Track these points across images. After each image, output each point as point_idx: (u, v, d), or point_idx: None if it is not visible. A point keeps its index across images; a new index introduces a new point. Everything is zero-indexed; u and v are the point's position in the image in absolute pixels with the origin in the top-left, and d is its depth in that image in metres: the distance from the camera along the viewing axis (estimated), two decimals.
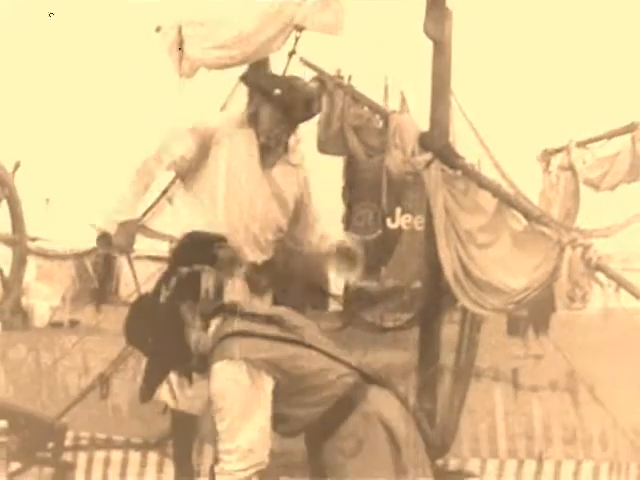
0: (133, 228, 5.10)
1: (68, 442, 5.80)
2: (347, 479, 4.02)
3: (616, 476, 5.96)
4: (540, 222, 5.60)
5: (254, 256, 5.13)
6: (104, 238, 5.09)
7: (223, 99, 5.84)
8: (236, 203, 5.10)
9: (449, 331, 5.96)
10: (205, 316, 4.15)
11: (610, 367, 6.30)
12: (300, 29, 5.56)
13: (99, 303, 7.07)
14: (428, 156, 5.71)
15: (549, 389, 6.29)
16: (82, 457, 6.05)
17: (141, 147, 5.30)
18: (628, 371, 6.13)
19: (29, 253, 7.60)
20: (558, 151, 7.37)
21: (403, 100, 6.35)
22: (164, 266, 4.85)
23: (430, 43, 5.79)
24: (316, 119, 5.86)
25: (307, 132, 5.85)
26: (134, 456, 6.11)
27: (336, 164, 6.64)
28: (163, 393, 4.95)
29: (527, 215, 5.64)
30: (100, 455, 6.10)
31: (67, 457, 5.81)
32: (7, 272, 7.46)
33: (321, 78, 5.67)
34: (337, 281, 9.64)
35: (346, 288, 9.61)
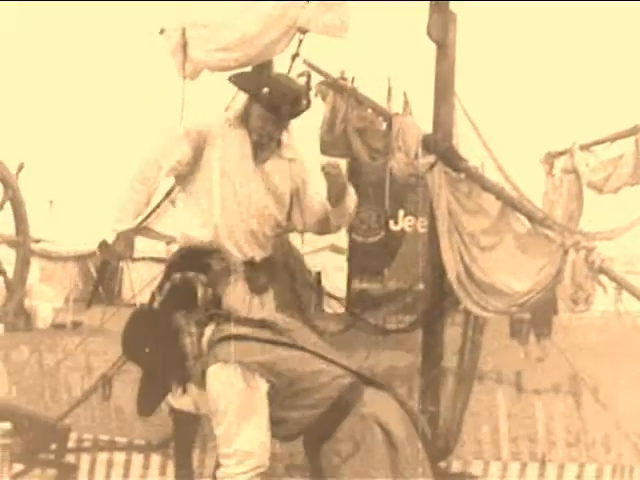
0: (132, 236, 5.13)
1: (71, 444, 5.80)
2: None
3: (619, 479, 5.96)
4: (543, 225, 5.59)
5: (253, 253, 5.14)
6: (104, 246, 5.12)
7: (226, 101, 5.84)
8: (232, 201, 5.12)
9: (452, 333, 5.96)
10: (200, 323, 4.18)
11: (613, 370, 6.30)
12: (303, 31, 5.56)
13: (102, 305, 7.07)
14: (431, 158, 5.71)
15: (552, 392, 6.29)
16: (85, 459, 6.05)
17: (144, 149, 5.30)
18: (631, 374, 6.13)
19: (32, 255, 7.62)
20: (561, 154, 7.37)
21: (406, 102, 6.35)
22: None
23: (433, 46, 5.79)
24: (318, 121, 5.87)
25: (310, 134, 5.86)
26: (137, 458, 6.11)
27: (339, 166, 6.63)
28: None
29: (530, 218, 5.63)
30: (103, 457, 6.10)
31: (70, 459, 5.82)
32: (10, 274, 7.48)
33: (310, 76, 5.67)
34: (339, 283, 9.64)
35: (349, 290, 9.64)
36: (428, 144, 5.74)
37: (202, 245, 5.06)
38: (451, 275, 5.63)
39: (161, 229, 6.61)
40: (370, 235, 9.45)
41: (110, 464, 6.10)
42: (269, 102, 5.07)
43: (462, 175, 5.71)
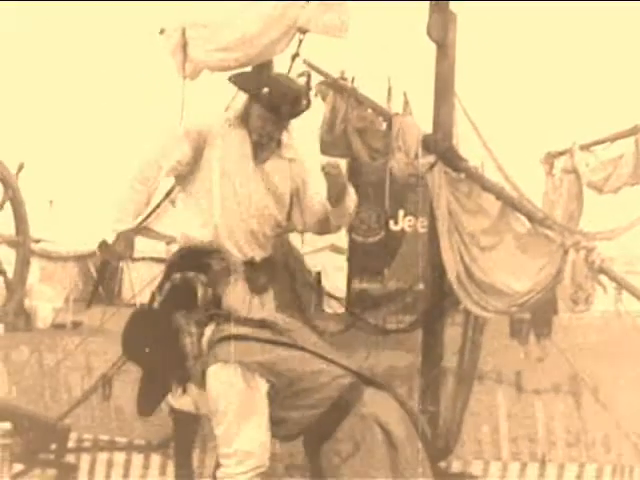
0: (132, 236, 5.13)
1: (71, 444, 5.80)
2: None
3: (619, 479, 5.96)
4: (543, 225, 5.59)
5: (253, 253, 5.15)
6: (104, 246, 5.13)
7: (226, 101, 5.84)
8: (232, 201, 5.13)
9: (452, 333, 5.96)
10: (200, 323, 4.19)
11: (613, 370, 6.30)
12: (304, 31, 5.56)
13: (102, 305, 7.07)
14: (431, 158, 5.71)
15: (552, 392, 6.29)
16: (85, 459, 6.05)
17: (144, 149, 5.30)
18: (631, 374, 6.13)
19: (32, 255, 7.62)
20: (561, 154, 7.37)
21: (406, 102, 6.35)
22: None
23: (433, 46, 5.79)
24: (318, 121, 5.87)
25: (310, 134, 5.86)
26: (137, 458, 6.11)
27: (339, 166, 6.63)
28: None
29: (530, 218, 5.63)
30: (103, 457, 6.10)
31: (70, 459, 5.82)
32: (10, 274, 7.48)
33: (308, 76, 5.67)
34: (340, 283, 9.65)
35: (349, 290, 9.64)
36: (428, 144, 5.74)
37: (202, 245, 5.07)
38: (451, 275, 5.63)
39: (161, 229, 6.61)
40: (370, 235, 9.46)
41: (110, 464, 6.10)
42: (269, 102, 5.07)
43: (462, 175, 5.71)
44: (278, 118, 5.11)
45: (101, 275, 6.07)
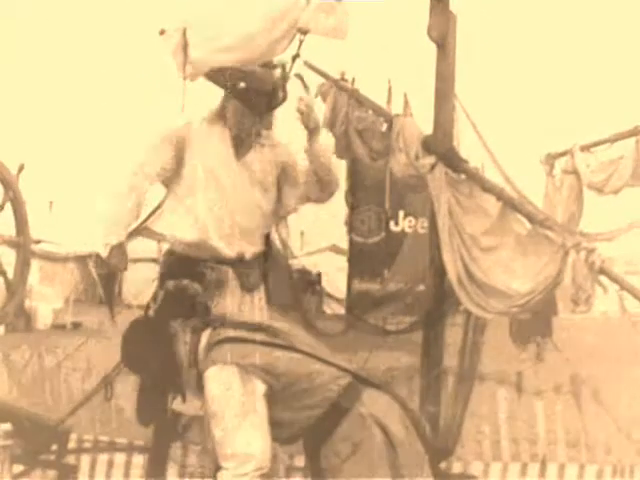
0: (125, 248, 5.14)
1: (71, 445, 5.80)
2: None
3: (620, 479, 5.95)
4: (544, 226, 5.59)
5: (242, 249, 5.16)
6: (99, 261, 5.14)
7: None
8: (217, 198, 5.14)
9: (452, 334, 5.95)
10: (196, 329, 4.19)
11: (613, 370, 6.30)
12: (304, 32, 5.56)
13: (102, 305, 7.07)
14: (432, 159, 5.71)
15: (552, 392, 6.29)
16: (85, 460, 6.04)
17: (144, 150, 5.30)
18: (631, 374, 6.13)
19: (33, 256, 7.60)
20: (562, 155, 7.38)
21: (406, 103, 6.36)
22: None
23: (434, 46, 5.79)
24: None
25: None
26: (137, 459, 6.10)
27: (339, 167, 6.64)
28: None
29: (531, 219, 5.63)
30: (103, 458, 6.09)
31: (70, 460, 5.81)
32: (11, 274, 7.47)
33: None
34: (340, 284, 9.65)
35: (349, 291, 9.64)
36: (428, 145, 5.74)
37: (194, 253, 5.08)
38: (452, 276, 5.63)
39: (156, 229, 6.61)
40: (370, 236, 9.45)
41: (110, 465, 6.09)
42: (246, 96, 5.09)
43: (462, 176, 5.71)
44: (255, 112, 5.12)
45: (108, 288, 6.01)
